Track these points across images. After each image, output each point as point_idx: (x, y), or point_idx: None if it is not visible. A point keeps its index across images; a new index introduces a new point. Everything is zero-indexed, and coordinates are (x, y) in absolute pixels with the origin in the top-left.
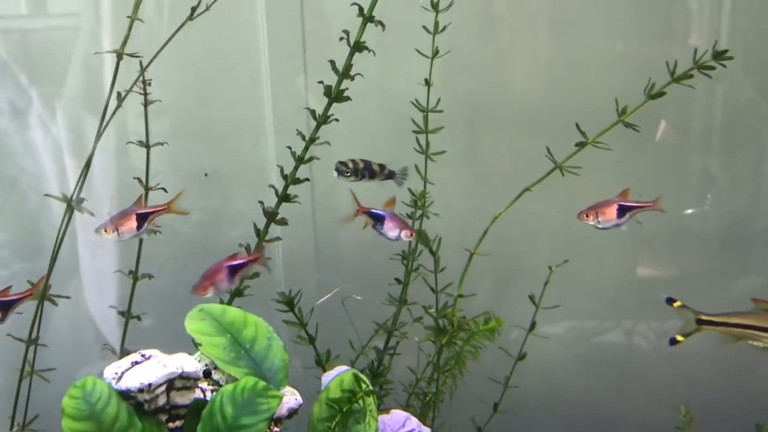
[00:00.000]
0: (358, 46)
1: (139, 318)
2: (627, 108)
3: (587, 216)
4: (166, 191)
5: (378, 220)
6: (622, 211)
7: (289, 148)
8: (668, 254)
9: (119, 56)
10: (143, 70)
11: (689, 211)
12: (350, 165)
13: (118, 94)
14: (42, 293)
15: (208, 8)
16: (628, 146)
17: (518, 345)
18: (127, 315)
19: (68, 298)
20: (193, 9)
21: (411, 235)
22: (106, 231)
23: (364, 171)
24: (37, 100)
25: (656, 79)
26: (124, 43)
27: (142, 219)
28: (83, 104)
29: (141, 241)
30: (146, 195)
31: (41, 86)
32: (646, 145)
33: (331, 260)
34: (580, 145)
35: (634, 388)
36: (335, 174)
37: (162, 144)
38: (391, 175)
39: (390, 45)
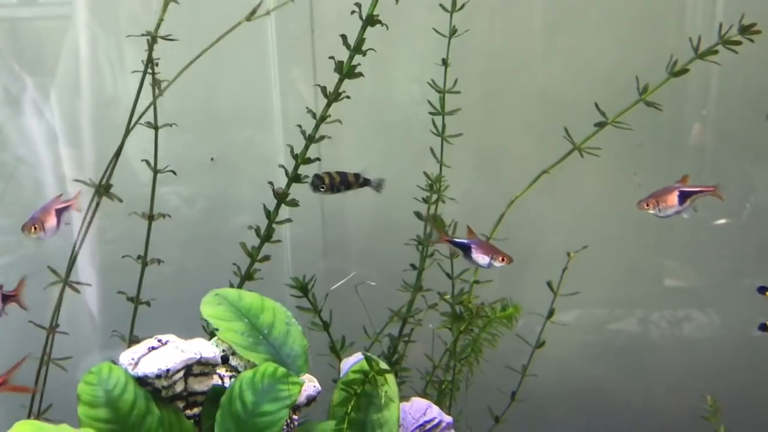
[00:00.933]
0: (371, 20)
1: (148, 304)
2: (648, 86)
3: (647, 205)
4: (175, 174)
5: (463, 248)
6: (683, 197)
7: (300, 126)
8: (684, 245)
9: (153, 39)
10: (179, 71)
11: (722, 221)
12: (327, 180)
13: (155, 80)
14: (65, 279)
15: (269, 13)
16: (664, 150)
17: (528, 332)
18: (135, 301)
19: (89, 285)
20: (254, 10)
21: (503, 260)
22: (33, 230)
23: (340, 185)
24: (32, 89)
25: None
26: (158, 26)
27: (59, 214)
28: (76, 93)
29: (150, 226)
30: (155, 178)
31: (34, 75)
32: (679, 149)
33: (339, 246)
34: (600, 125)
35: (647, 377)
36: (311, 188)
37: (171, 125)
38: (366, 183)
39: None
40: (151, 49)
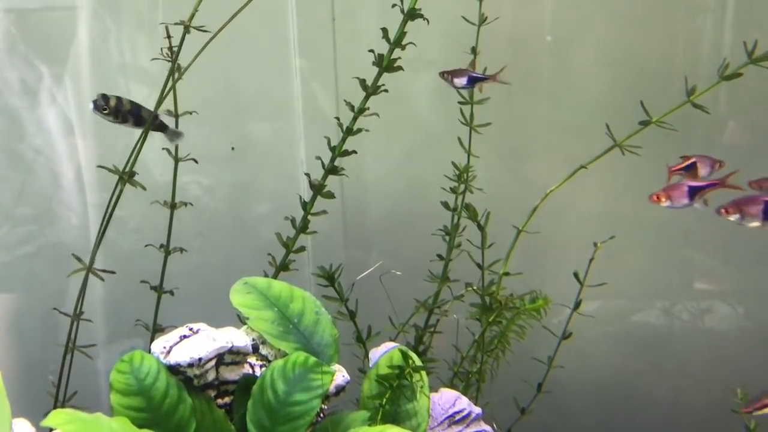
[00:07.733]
0: (412, 13)
1: (171, 293)
2: (696, 88)
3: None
4: (196, 162)
5: None
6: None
7: (337, 119)
8: (708, 234)
9: (186, 29)
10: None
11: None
12: (113, 103)
13: (178, 66)
14: (88, 268)
15: None
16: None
17: (548, 323)
18: (159, 290)
19: (113, 273)
20: None
21: None
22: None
23: (128, 114)
24: (47, 79)
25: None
26: (192, 16)
27: None
28: (88, 82)
29: (171, 214)
30: (176, 168)
31: (49, 65)
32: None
33: (359, 236)
34: (644, 123)
35: (671, 368)
36: (91, 107)
37: (191, 113)
38: (161, 128)
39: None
40: (182, 40)
